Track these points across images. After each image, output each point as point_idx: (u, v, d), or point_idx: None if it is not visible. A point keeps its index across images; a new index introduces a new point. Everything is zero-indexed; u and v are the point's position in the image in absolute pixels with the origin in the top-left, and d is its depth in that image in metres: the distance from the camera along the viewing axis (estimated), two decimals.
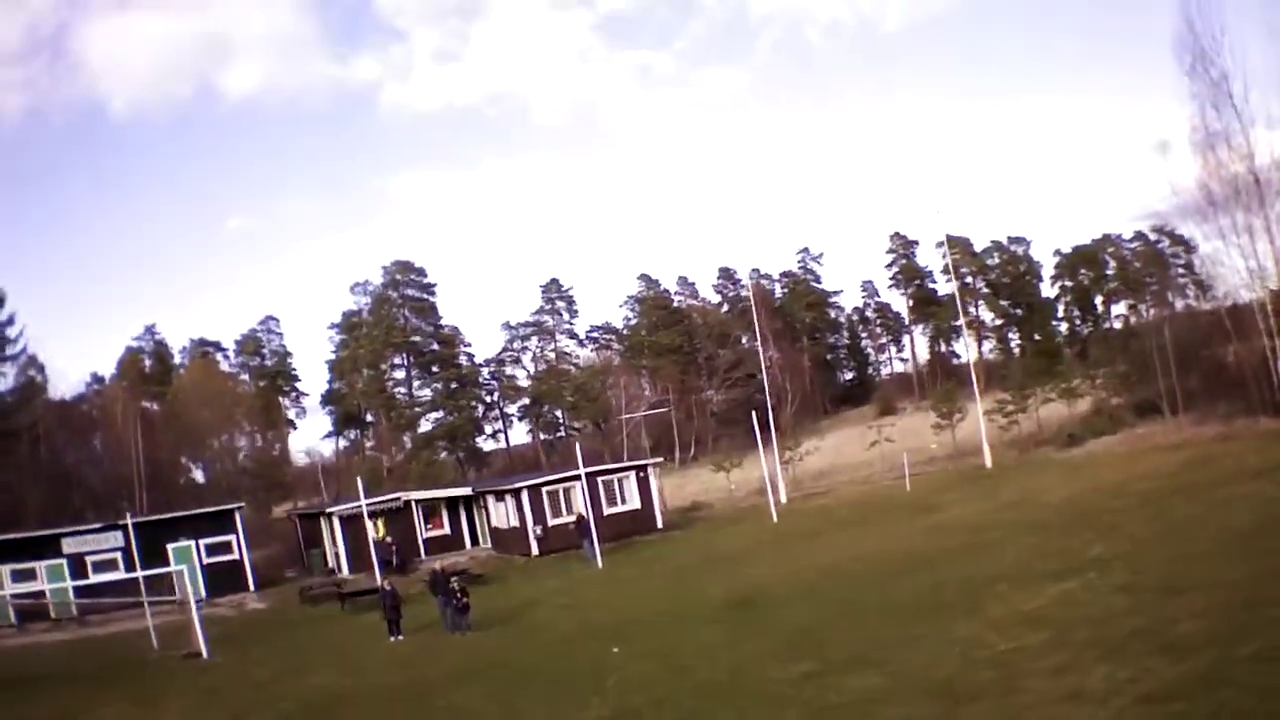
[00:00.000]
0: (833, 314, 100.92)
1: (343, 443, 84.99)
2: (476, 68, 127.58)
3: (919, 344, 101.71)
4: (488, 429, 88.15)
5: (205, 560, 36.38)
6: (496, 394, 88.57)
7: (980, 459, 43.03)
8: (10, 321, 56.02)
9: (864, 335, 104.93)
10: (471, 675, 17.70)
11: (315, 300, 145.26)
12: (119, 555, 34.48)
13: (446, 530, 41.44)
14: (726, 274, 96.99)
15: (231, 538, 37.51)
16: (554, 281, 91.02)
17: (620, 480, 39.72)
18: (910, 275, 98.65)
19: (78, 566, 33.88)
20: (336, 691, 18.05)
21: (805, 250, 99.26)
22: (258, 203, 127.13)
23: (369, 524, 34.51)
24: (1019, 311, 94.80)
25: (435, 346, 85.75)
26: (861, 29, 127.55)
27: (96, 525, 36.69)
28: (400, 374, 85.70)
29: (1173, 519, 20.72)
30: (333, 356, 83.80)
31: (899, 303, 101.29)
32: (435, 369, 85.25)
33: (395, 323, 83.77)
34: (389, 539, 37.56)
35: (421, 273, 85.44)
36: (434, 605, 24.86)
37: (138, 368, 75.36)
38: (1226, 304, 39.82)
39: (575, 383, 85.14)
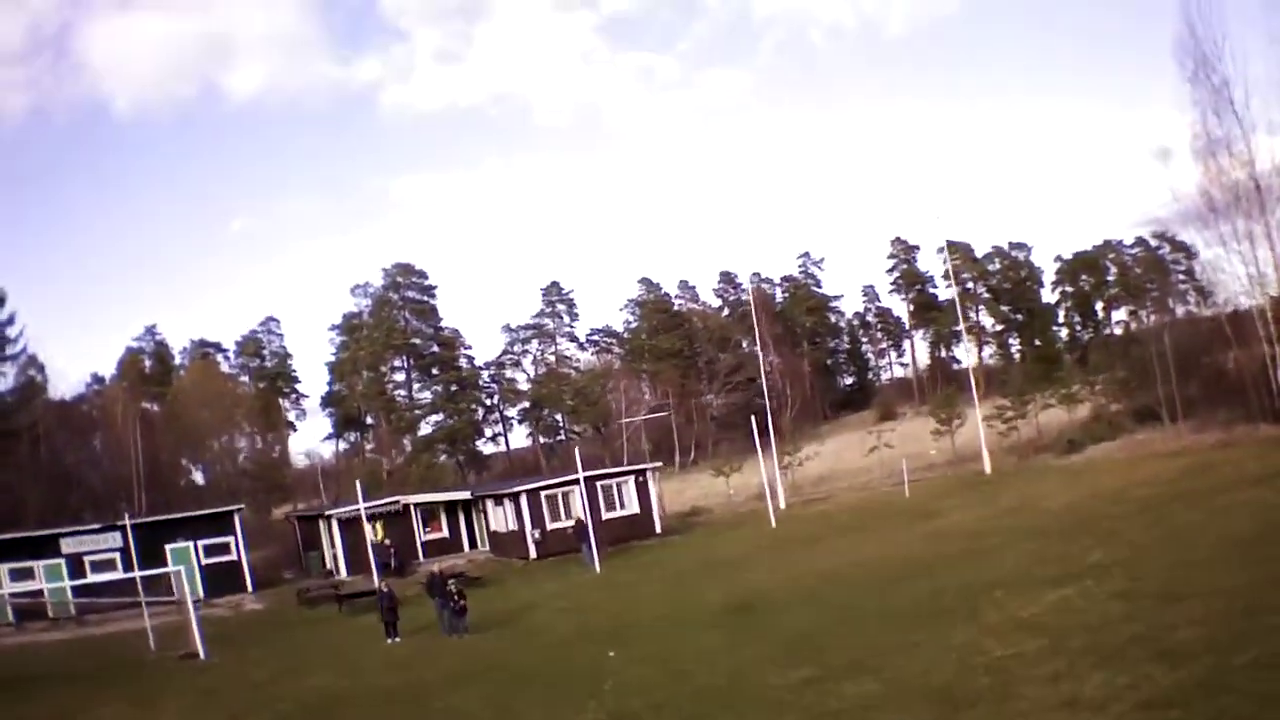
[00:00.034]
0: (833, 319, 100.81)
1: (342, 445, 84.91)
2: (479, 69, 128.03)
3: (919, 349, 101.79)
4: (488, 432, 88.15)
5: (204, 561, 36.42)
6: (496, 397, 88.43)
7: (980, 465, 43.02)
8: (10, 321, 56.23)
9: (864, 340, 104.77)
10: (468, 678, 17.68)
11: (316, 302, 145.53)
12: (117, 555, 34.58)
13: (445, 533, 41.52)
14: (727, 278, 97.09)
15: (230, 539, 37.55)
16: (555, 284, 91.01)
17: (619, 485, 39.72)
18: (911, 280, 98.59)
19: (76, 566, 33.92)
20: (334, 693, 18.03)
21: (806, 254, 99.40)
22: (259, 203, 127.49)
23: (367, 527, 34.52)
24: (1019, 317, 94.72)
25: (435, 349, 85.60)
26: (864, 32, 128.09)
27: (95, 525, 36.75)
28: (400, 376, 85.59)
29: (1172, 525, 20.71)
30: (333, 358, 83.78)
31: (899, 308, 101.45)
32: (435, 371, 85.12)
33: (396, 325, 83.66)
34: (388, 541, 37.59)
35: (422, 275, 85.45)
36: (431, 607, 24.88)
37: (138, 368, 75.26)
38: (1227, 310, 39.92)
39: (575, 386, 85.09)
